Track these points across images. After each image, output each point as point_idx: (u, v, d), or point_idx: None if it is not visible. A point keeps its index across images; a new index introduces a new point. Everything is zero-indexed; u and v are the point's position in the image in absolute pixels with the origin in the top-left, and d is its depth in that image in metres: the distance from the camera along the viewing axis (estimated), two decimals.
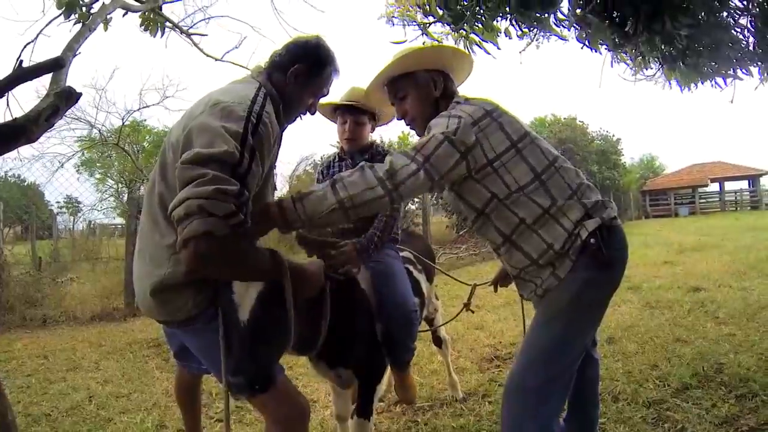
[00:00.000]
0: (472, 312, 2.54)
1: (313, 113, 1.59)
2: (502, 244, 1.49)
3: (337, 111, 2.21)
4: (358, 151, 2.23)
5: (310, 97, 1.51)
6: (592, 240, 1.35)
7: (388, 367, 2.03)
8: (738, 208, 26.98)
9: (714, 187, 29.95)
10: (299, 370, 3.21)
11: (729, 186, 30.03)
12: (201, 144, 1.15)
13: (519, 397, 1.41)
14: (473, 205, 1.47)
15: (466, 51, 1.64)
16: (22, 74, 1.56)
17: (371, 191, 1.27)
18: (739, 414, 2.28)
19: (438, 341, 2.75)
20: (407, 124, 1.63)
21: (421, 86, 1.57)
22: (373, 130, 2.29)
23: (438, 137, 1.34)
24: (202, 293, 1.29)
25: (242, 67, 4.10)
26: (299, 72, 1.43)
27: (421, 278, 2.33)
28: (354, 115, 2.17)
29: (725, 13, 2.97)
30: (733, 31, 3.05)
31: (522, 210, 1.40)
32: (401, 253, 2.25)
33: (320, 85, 1.52)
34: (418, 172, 1.30)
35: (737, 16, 3.00)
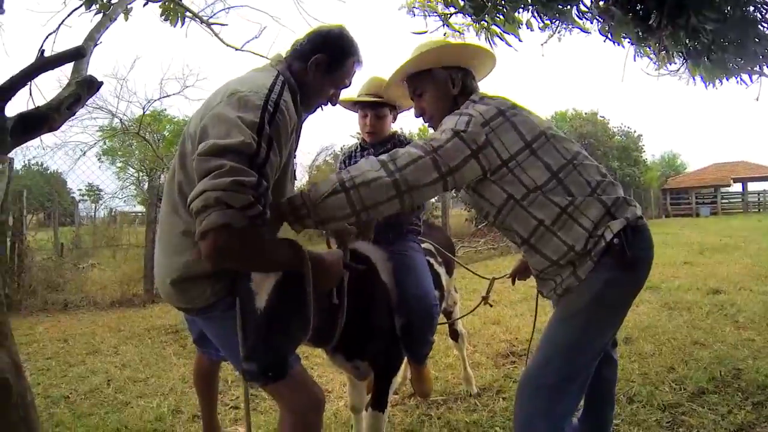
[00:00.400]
0: (491, 306, 2.51)
1: (334, 104, 1.58)
2: (521, 245, 1.47)
3: (357, 103, 2.21)
4: (380, 142, 2.24)
5: (330, 88, 1.49)
6: (615, 241, 1.31)
7: (404, 360, 2.03)
8: (761, 210, 26.28)
9: (737, 187, 29.19)
10: (315, 360, 3.23)
11: (752, 186, 29.26)
12: (217, 135, 1.15)
13: (533, 395, 1.40)
14: (493, 204, 1.45)
15: (488, 48, 1.59)
16: (43, 64, 1.58)
17: (374, 172, 1.29)
18: (755, 422, 2.23)
19: (455, 335, 2.75)
20: (425, 122, 1.61)
21: (439, 84, 1.55)
22: (394, 119, 2.29)
23: (448, 132, 1.34)
24: (221, 282, 1.30)
25: (262, 56, 4.09)
26: (320, 62, 1.41)
27: (442, 271, 2.33)
28: (374, 108, 2.17)
29: (752, 8, 2.88)
30: (760, 26, 2.95)
31: (540, 211, 1.38)
32: (422, 245, 2.25)
33: (342, 77, 1.49)
34: (424, 158, 1.30)
35: (764, 11, 2.90)
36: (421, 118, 1.61)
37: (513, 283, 2.15)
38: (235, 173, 1.09)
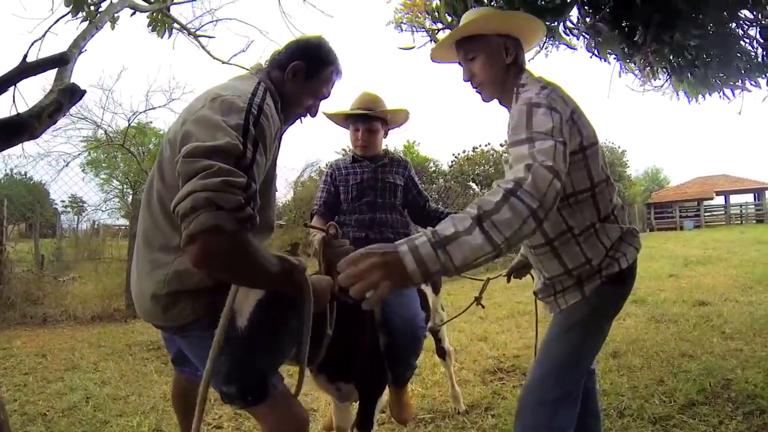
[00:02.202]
0: (483, 307, 2.43)
1: (314, 115, 1.56)
2: (543, 245, 1.45)
3: (349, 118, 2.19)
4: (372, 156, 2.22)
5: (309, 97, 1.47)
6: (624, 266, 1.38)
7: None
8: (743, 222, 26.81)
9: (719, 200, 29.79)
10: None
11: (734, 199, 29.90)
12: (201, 137, 1.11)
13: (535, 409, 1.39)
14: None
15: (540, 21, 1.53)
16: (26, 69, 1.55)
17: (526, 226, 1.01)
18: (746, 431, 2.23)
19: (442, 352, 2.70)
20: (473, 87, 1.53)
21: (494, 50, 1.47)
22: (386, 135, 2.27)
23: (549, 140, 1.16)
24: (202, 299, 1.26)
25: (249, 70, 4.10)
26: (298, 69, 1.41)
27: (428, 290, 2.29)
28: (366, 122, 2.15)
29: (734, 24, 2.96)
30: (742, 42, 3.03)
31: (572, 218, 1.38)
32: None
33: (320, 85, 1.48)
34: (554, 183, 1.08)
35: (747, 27, 2.98)
36: (470, 83, 1.53)
37: (508, 280, 2.12)
38: (224, 174, 1.04)
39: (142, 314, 1.36)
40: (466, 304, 2.39)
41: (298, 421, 1.35)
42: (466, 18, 1.49)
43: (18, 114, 1.64)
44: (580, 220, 1.37)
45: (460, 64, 1.55)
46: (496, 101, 1.53)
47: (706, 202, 28.76)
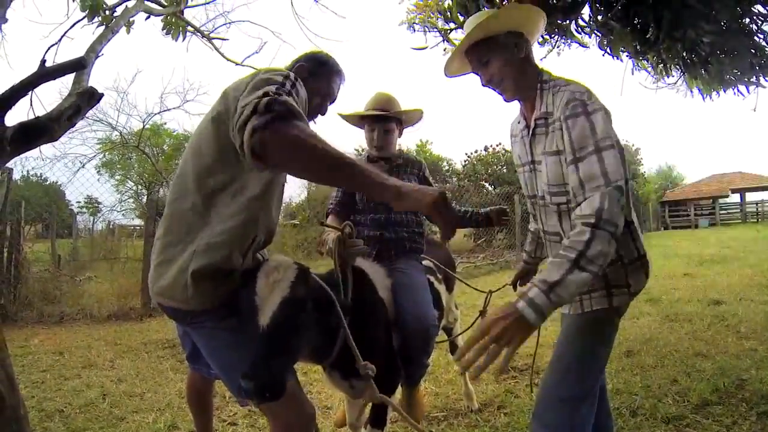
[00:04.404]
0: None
1: (323, 114, 1.65)
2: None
3: (364, 118, 2.21)
4: (387, 156, 2.23)
5: (315, 95, 1.56)
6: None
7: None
8: (759, 220, 26.32)
9: (735, 198, 29.33)
10: (314, 376, 3.18)
11: (750, 197, 29.38)
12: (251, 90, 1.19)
13: (554, 407, 1.38)
14: (559, 187, 1.41)
15: (540, 10, 1.53)
16: (44, 74, 1.59)
17: (611, 247, 1.18)
18: None
19: (455, 350, 2.71)
20: (494, 89, 1.53)
21: (505, 48, 1.48)
22: (400, 134, 2.29)
23: (611, 150, 1.25)
24: (224, 286, 1.30)
25: None
26: (300, 69, 1.55)
27: (442, 288, 2.30)
28: (381, 123, 2.16)
29: (748, 20, 2.92)
30: (756, 37, 2.99)
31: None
32: (423, 262, 2.23)
33: (324, 85, 1.60)
34: (621, 200, 1.22)
35: (760, 22, 2.94)
36: (489, 86, 1.53)
37: (515, 289, 2.12)
38: (276, 92, 1.12)
39: (157, 293, 1.36)
40: (479, 303, 2.40)
41: (305, 416, 1.39)
42: (469, 25, 1.50)
43: (38, 117, 1.68)
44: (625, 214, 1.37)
45: (475, 73, 1.56)
46: (516, 102, 1.54)
47: (721, 200, 28.35)
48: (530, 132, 1.47)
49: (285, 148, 1.04)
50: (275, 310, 1.22)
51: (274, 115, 1.04)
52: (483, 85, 1.54)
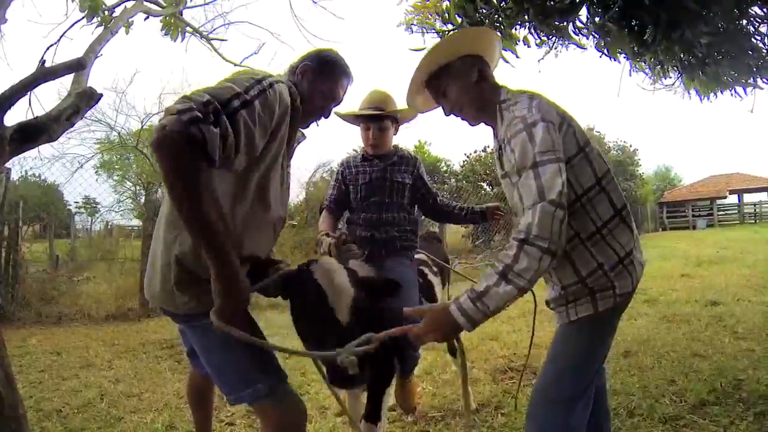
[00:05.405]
0: None
1: (327, 116, 1.61)
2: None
3: (359, 117, 2.22)
4: (383, 154, 2.24)
5: (319, 97, 1.53)
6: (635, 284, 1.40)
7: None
8: (757, 221, 26.36)
9: (733, 198, 29.33)
10: (312, 377, 3.19)
11: (748, 198, 29.42)
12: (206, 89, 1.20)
13: (548, 408, 1.38)
14: (515, 206, 1.42)
15: (487, 27, 1.54)
16: (44, 74, 1.59)
17: (543, 263, 1.18)
18: None
19: (453, 350, 2.72)
20: (457, 116, 1.54)
21: (459, 75, 1.48)
22: (396, 132, 2.30)
23: (548, 165, 1.24)
24: (209, 293, 1.29)
25: None
26: (306, 69, 1.50)
27: (436, 281, 2.31)
28: (377, 121, 2.17)
29: (745, 21, 2.93)
30: (753, 38, 3.00)
31: (576, 223, 1.35)
32: (417, 255, 2.24)
33: (329, 86, 1.54)
34: (557, 214, 1.20)
35: (758, 23, 2.94)
36: (453, 115, 1.54)
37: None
38: (194, 98, 1.13)
39: (151, 295, 1.42)
40: None
41: (296, 415, 1.40)
42: (421, 60, 1.50)
43: (36, 118, 1.68)
44: (596, 219, 1.36)
45: (439, 104, 1.58)
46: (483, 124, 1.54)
47: (719, 201, 28.37)
48: (498, 154, 1.49)
49: (161, 160, 1.11)
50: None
51: (162, 126, 1.08)
52: (446, 115, 1.56)
